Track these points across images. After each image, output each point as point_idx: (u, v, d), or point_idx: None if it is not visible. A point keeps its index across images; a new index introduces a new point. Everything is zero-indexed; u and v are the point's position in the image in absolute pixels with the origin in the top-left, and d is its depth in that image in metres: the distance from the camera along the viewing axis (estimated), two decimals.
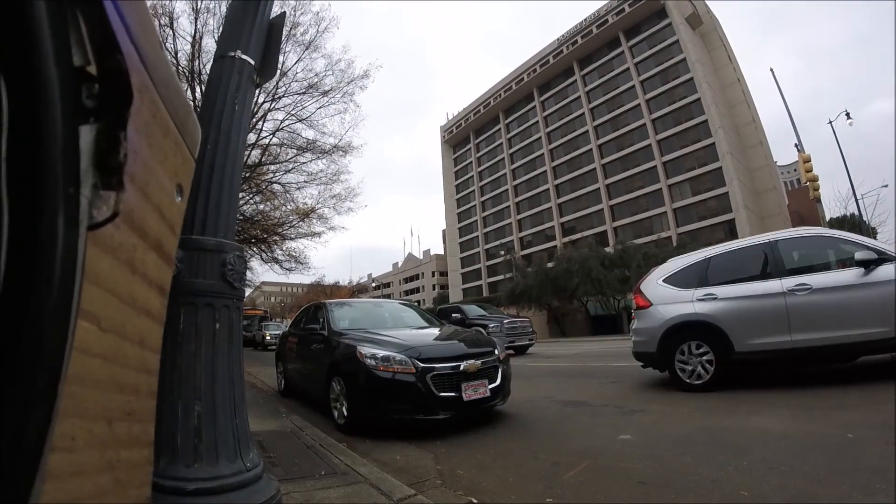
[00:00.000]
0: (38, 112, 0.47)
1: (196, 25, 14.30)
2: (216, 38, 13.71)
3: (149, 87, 0.70)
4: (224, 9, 13.33)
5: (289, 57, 15.25)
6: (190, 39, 14.47)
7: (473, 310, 16.90)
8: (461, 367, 4.69)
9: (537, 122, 70.20)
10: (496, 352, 5.23)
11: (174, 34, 14.24)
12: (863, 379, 5.32)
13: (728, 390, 5.60)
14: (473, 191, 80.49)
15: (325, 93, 16.69)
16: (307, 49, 15.82)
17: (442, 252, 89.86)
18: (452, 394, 4.59)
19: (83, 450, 0.60)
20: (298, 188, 18.77)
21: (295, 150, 17.74)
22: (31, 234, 0.47)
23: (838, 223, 35.64)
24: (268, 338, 25.84)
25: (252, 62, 2.51)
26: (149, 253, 0.75)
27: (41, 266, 0.48)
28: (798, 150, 21.48)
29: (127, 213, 0.64)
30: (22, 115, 0.46)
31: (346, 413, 4.81)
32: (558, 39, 67.73)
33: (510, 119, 75.55)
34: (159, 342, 0.87)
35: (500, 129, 76.67)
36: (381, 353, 4.67)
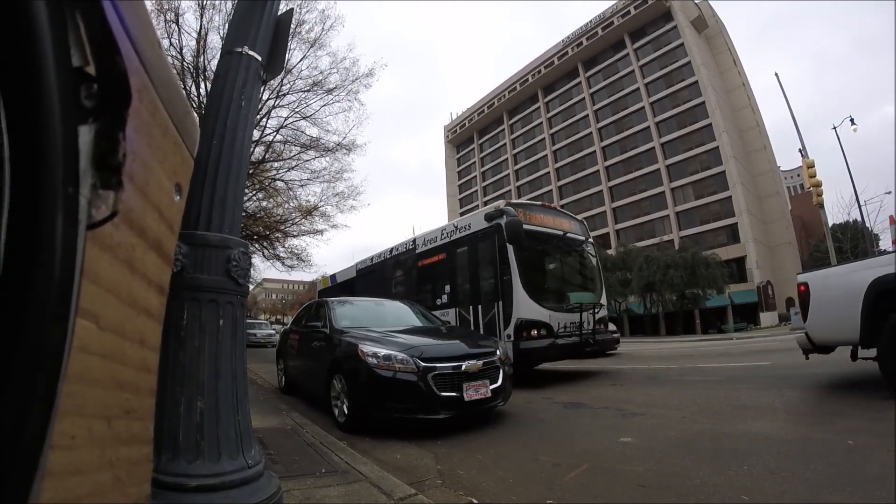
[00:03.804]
0: (37, 112, 0.47)
1: (201, 21, 14.31)
2: (221, 34, 13.77)
3: (147, 87, 0.70)
4: (230, 5, 13.35)
5: (294, 54, 15.24)
6: (195, 35, 14.48)
7: None
8: (462, 368, 4.69)
9: (541, 123, 70.19)
10: (498, 352, 5.23)
11: (179, 30, 14.25)
12: (864, 387, 5.31)
13: (729, 394, 5.59)
14: (476, 191, 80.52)
15: (330, 91, 16.69)
16: (312, 47, 15.82)
17: None
18: (453, 394, 4.59)
19: (83, 448, 0.60)
20: (301, 185, 18.74)
21: (298, 148, 17.72)
22: (30, 233, 0.47)
23: (841, 229, 35.56)
24: None
25: (259, 58, 2.51)
26: (148, 252, 0.75)
27: (40, 265, 0.48)
28: (802, 156, 21.42)
29: (126, 213, 0.64)
30: (21, 116, 0.46)
31: (346, 411, 4.81)
32: (563, 41, 67.68)
33: (514, 120, 75.54)
34: (158, 341, 0.87)
35: (503, 129, 76.69)
36: (382, 351, 4.67)
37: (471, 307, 8.80)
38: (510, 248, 7.95)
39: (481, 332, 8.07)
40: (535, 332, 7.67)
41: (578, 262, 9.91)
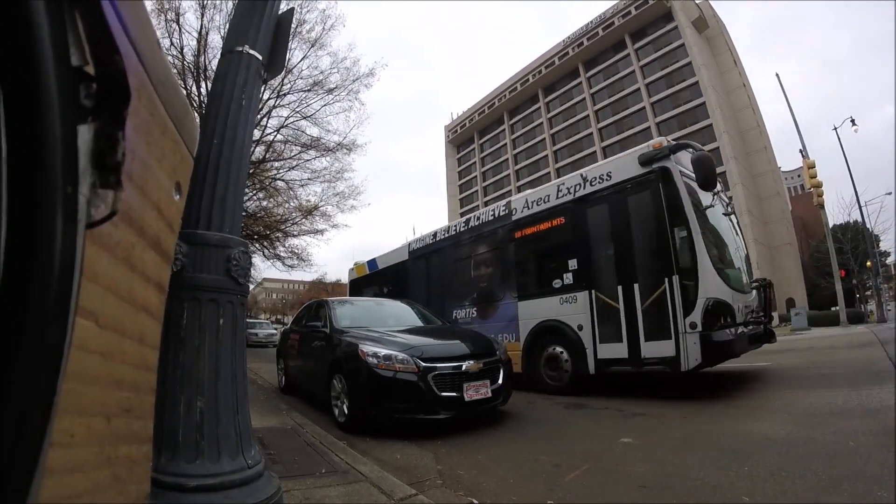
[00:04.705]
0: (36, 111, 0.47)
1: (202, 21, 14.35)
2: (222, 33, 13.79)
3: (147, 86, 0.70)
4: (230, 5, 13.38)
5: (294, 54, 15.25)
6: (196, 35, 14.51)
7: None
8: (463, 368, 4.69)
9: (542, 123, 70.23)
10: (498, 352, 5.23)
11: (180, 29, 14.29)
12: (864, 388, 5.30)
13: (730, 394, 5.58)
14: (477, 191, 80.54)
15: (330, 90, 16.71)
16: (313, 46, 15.83)
17: None
18: (454, 394, 4.59)
19: (82, 446, 0.60)
20: (302, 185, 18.74)
21: (299, 148, 17.74)
22: (30, 232, 0.47)
23: (842, 230, 35.58)
24: None
25: (260, 57, 2.51)
26: (147, 251, 0.75)
27: (40, 264, 0.48)
28: (802, 156, 21.43)
29: (125, 212, 0.65)
30: (21, 115, 0.46)
31: (346, 411, 4.82)
32: (564, 41, 67.67)
33: (515, 120, 75.56)
34: (158, 339, 0.87)
35: (504, 129, 76.73)
36: (382, 351, 4.68)
37: (619, 288, 6.35)
38: (686, 200, 5.79)
39: (639, 319, 6.07)
40: (723, 320, 5.74)
41: (733, 230, 7.27)
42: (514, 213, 8.22)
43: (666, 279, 5.80)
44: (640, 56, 59.04)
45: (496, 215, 8.63)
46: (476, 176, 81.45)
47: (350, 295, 13.79)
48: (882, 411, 4.16)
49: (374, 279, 12.71)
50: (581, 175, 7.18)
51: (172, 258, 0.93)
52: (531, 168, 71.22)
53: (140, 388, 0.78)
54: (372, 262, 13.02)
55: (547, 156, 68.44)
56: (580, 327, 6.68)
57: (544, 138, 69.45)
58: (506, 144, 76.08)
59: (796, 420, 4.21)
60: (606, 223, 6.69)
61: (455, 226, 9.78)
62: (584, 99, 64.58)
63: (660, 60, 56.86)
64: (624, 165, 6.57)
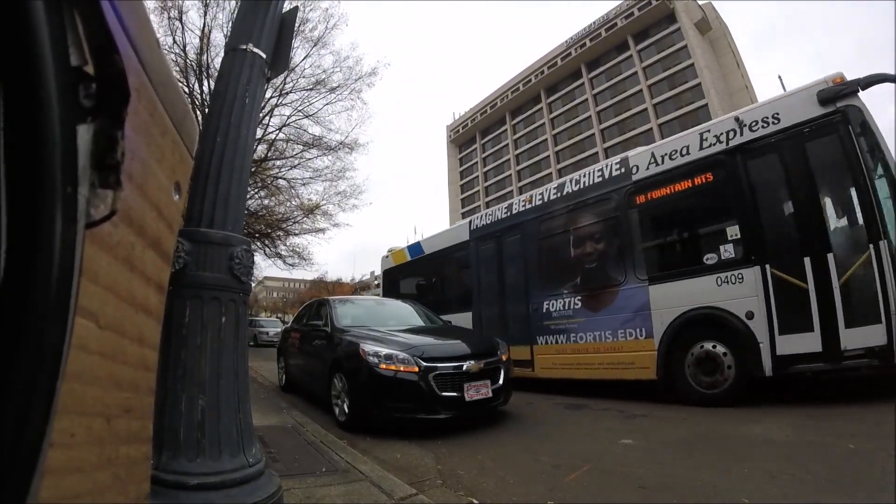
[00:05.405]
0: (36, 111, 0.47)
1: (205, 19, 14.40)
2: (225, 31, 13.83)
3: (146, 86, 0.70)
4: (233, 3, 13.41)
5: (297, 53, 15.29)
6: (199, 33, 14.54)
7: None
8: (464, 368, 4.69)
9: (544, 123, 70.15)
10: (499, 352, 5.23)
11: (183, 28, 14.33)
12: (865, 390, 5.29)
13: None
14: (478, 191, 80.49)
15: (333, 89, 16.75)
16: (315, 45, 15.90)
17: None
18: (454, 394, 4.59)
19: (82, 446, 0.60)
20: (304, 184, 18.75)
21: (301, 146, 17.75)
22: (29, 232, 0.47)
23: None
24: None
25: (263, 56, 2.51)
26: (147, 251, 0.75)
27: (40, 264, 0.48)
28: None
29: (125, 211, 0.65)
30: (20, 115, 0.46)
31: (347, 410, 4.82)
32: (566, 42, 67.60)
33: (517, 120, 75.51)
34: (157, 339, 0.87)
35: (506, 129, 76.68)
36: (384, 350, 4.68)
37: (805, 260, 4.87)
38: (886, 146, 4.83)
39: (836, 300, 4.65)
40: None
41: None
42: (633, 171, 6.59)
43: (871, 246, 4.55)
44: (642, 57, 58.95)
45: (606, 176, 6.93)
46: (478, 176, 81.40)
47: (384, 287, 12.32)
48: (882, 414, 4.14)
49: (419, 267, 10.92)
50: (736, 119, 5.70)
51: (172, 258, 0.93)
52: (533, 168, 71.18)
53: (140, 388, 0.78)
54: (415, 247, 11.08)
55: (549, 156, 68.39)
56: (749, 315, 5.18)
57: (546, 139, 69.38)
58: (508, 145, 76.02)
59: (796, 422, 4.20)
60: (779, 178, 5.31)
61: (542, 194, 7.95)
62: (587, 100, 64.49)
63: (662, 62, 56.78)
64: (796, 105, 5.22)
